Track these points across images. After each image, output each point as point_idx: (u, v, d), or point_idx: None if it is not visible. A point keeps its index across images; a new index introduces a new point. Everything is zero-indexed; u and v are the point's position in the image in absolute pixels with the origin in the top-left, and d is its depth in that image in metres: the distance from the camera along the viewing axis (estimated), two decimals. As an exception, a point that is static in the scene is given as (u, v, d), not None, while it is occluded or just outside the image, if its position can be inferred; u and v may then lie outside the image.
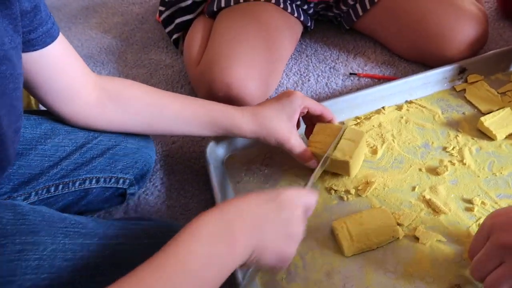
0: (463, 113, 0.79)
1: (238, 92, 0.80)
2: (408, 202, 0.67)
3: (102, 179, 0.65)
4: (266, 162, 0.77)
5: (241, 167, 0.77)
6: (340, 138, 0.68)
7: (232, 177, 0.76)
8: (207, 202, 0.75)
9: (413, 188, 0.68)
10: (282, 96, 0.69)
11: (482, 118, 0.74)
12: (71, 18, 1.31)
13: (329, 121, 0.71)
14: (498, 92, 0.80)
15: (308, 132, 0.75)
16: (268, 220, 0.46)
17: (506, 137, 0.73)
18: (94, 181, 0.65)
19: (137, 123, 0.66)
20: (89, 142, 0.64)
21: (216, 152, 0.79)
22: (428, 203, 0.66)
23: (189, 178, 0.80)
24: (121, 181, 0.68)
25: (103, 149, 0.65)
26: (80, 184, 0.63)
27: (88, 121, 0.62)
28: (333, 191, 0.70)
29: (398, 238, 0.62)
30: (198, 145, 0.85)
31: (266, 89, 0.87)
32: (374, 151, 0.74)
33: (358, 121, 0.81)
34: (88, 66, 0.62)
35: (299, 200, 0.51)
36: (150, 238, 0.53)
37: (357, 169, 0.71)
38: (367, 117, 0.81)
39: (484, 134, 0.74)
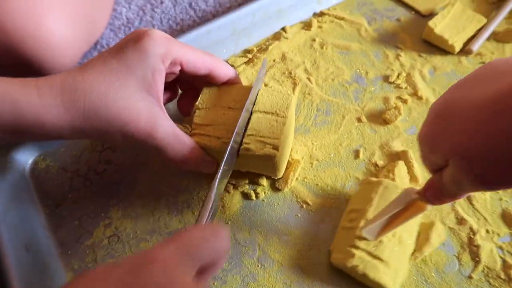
0: (398, 19, 0.53)
1: (26, 41, 0.42)
2: (354, 180, 0.40)
3: None
4: (107, 157, 0.43)
5: (61, 174, 0.43)
6: (251, 112, 0.36)
7: (46, 197, 0.41)
8: None
9: (356, 154, 0.42)
10: (126, 45, 0.33)
11: (431, 23, 0.48)
12: None
13: (228, 82, 0.38)
14: (436, -18, 0.55)
15: (186, 105, 0.41)
16: None
17: (462, 47, 0.49)
18: None
19: None
20: None
21: (12, 159, 0.42)
22: (386, 175, 0.40)
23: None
24: None
25: None
26: None
27: None
28: (230, 187, 0.40)
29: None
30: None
31: (88, 30, 0.50)
32: (283, 103, 0.45)
33: (249, 56, 0.50)
34: None
35: (194, 262, 0.25)
36: None
37: (286, 161, 0.40)
38: (262, 48, 0.50)
39: (434, 46, 0.49)
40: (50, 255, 0.37)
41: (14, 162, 0.42)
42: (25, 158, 0.43)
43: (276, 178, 0.40)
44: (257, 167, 0.38)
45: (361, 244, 0.33)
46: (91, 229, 0.39)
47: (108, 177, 0.42)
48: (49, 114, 0.32)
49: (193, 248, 0.25)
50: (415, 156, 0.40)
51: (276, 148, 0.34)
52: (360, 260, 0.32)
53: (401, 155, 0.41)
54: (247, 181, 0.40)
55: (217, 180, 0.31)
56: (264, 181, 0.40)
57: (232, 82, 0.38)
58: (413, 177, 0.39)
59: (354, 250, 0.33)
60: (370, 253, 0.33)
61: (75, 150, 0.44)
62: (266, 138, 0.35)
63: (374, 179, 0.37)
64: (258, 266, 0.36)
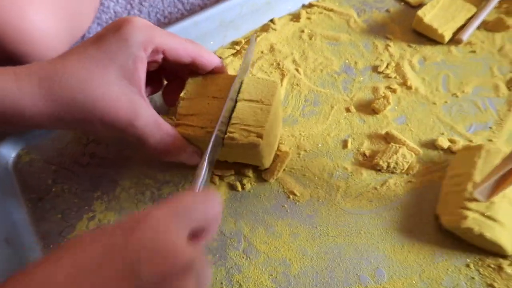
0: (387, 10, 0.52)
1: (8, 34, 0.42)
2: (343, 170, 0.39)
3: None
4: (91, 149, 0.43)
5: (45, 167, 0.42)
6: (236, 101, 0.36)
7: (29, 191, 0.40)
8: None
9: (344, 143, 0.41)
10: (106, 33, 0.33)
11: (420, 12, 0.48)
12: None
13: (214, 71, 0.37)
14: (425, -27, 0.55)
15: (172, 96, 0.41)
16: None
17: (452, 37, 0.48)
18: None
19: None
20: None
21: (-10, 151, 0.41)
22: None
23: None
24: None
25: None
26: None
27: None
28: (216, 178, 0.40)
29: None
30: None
31: (73, 23, 0.49)
32: (271, 94, 0.44)
33: (238, 48, 0.49)
34: None
35: (186, 222, 0.24)
36: None
37: (273, 151, 0.40)
38: (250, 40, 0.50)
39: (424, 37, 0.49)
40: (31, 248, 0.36)
41: (-4, 156, 0.42)
42: (8, 152, 0.42)
43: (263, 169, 0.39)
44: (243, 156, 0.37)
45: (472, 205, 0.33)
46: (74, 222, 0.38)
47: (92, 170, 0.41)
48: (28, 103, 0.31)
49: (185, 209, 0.24)
50: (404, 136, 0.40)
51: (260, 136, 0.33)
52: (474, 221, 0.32)
53: (387, 138, 0.40)
54: (233, 172, 0.39)
55: (209, 150, 0.31)
56: (251, 172, 0.39)
57: (217, 71, 0.37)
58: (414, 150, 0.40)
59: (466, 212, 0.33)
60: (483, 214, 0.32)
61: (59, 144, 0.43)
62: (250, 126, 0.34)
63: (473, 144, 0.38)
64: (243, 257, 0.35)
